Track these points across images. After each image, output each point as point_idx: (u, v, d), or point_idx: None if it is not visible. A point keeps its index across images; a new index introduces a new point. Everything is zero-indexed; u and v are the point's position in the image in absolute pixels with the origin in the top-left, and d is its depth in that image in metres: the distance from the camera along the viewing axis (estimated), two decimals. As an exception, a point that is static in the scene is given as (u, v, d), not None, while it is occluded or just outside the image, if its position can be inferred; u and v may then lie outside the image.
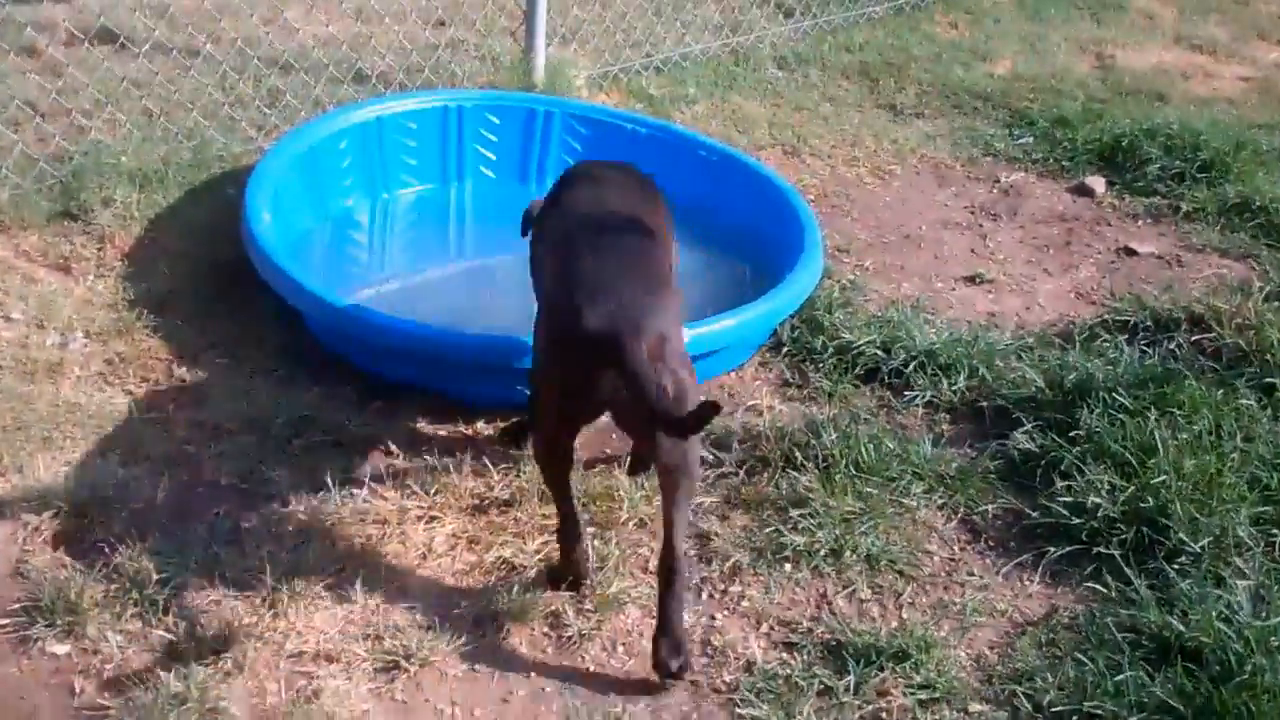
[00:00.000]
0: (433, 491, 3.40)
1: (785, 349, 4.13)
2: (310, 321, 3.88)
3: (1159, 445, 3.54)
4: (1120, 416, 3.68)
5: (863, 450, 3.58)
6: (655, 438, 2.80)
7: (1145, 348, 4.17)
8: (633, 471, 3.50)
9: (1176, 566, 3.25)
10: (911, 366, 4.01)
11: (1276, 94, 6.50)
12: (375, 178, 4.73)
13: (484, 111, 4.88)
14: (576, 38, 5.94)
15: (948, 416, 3.91)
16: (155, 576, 3.02)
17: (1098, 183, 5.50)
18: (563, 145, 4.89)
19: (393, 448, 3.58)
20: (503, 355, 3.57)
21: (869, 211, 5.16)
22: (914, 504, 3.51)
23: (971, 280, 4.73)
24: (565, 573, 3.13)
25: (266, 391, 3.75)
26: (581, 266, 2.95)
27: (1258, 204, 5.22)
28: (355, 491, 3.40)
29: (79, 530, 3.18)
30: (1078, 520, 3.40)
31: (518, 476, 3.47)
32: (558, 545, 3.15)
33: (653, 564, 3.23)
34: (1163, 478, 3.41)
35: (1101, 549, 3.34)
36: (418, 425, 3.68)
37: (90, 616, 2.92)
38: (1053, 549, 3.38)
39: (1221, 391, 3.82)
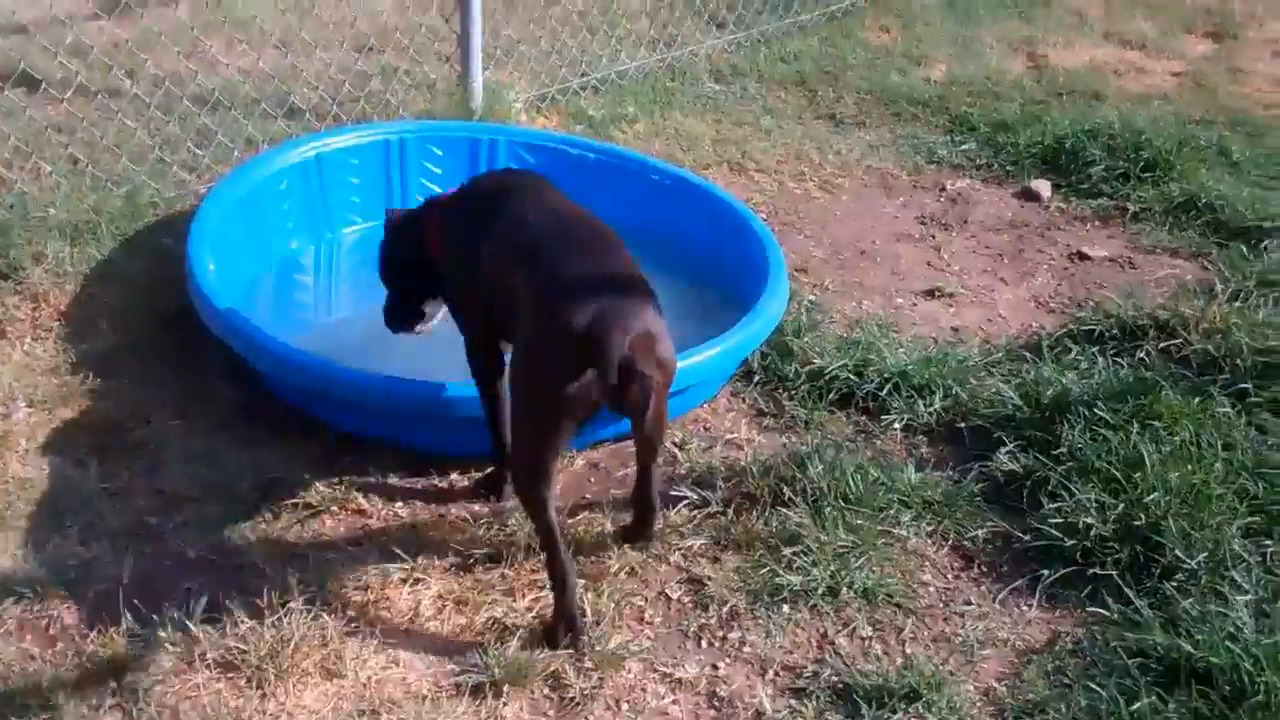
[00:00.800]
0: (414, 552, 3.27)
1: (756, 377, 4.05)
2: (271, 379, 3.73)
3: (1144, 459, 3.51)
4: (1102, 432, 3.65)
5: (849, 482, 3.50)
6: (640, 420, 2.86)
7: (1115, 357, 4.14)
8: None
9: (1174, 584, 3.22)
10: (886, 390, 3.95)
11: (1209, 88, 6.53)
12: (318, 218, 4.58)
13: (426, 143, 4.75)
14: (512, 60, 5.81)
15: (926, 439, 3.85)
16: (131, 661, 2.88)
17: (1043, 186, 5.48)
18: (510, 174, 4.77)
19: (366, 506, 3.45)
20: (475, 405, 3.47)
21: (821, 227, 5.09)
22: (904, 533, 3.45)
23: (931, 294, 4.68)
24: (561, 625, 3.02)
25: (227, 452, 3.59)
26: (556, 270, 3.00)
27: (1204, 201, 5.23)
28: (332, 556, 3.27)
29: (44, 616, 3.02)
30: (1070, 541, 3.35)
31: (501, 531, 3.35)
32: (551, 594, 3.05)
33: (646, 612, 3.16)
34: (1154, 495, 3.37)
35: (1097, 569, 3.29)
36: (390, 480, 3.55)
37: (66, 710, 2.77)
38: (1047, 571, 3.32)
39: (1198, 400, 3.80)
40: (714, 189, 4.72)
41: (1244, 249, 4.91)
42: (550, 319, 2.90)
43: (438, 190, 4.73)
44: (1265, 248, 4.87)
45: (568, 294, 2.90)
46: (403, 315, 3.65)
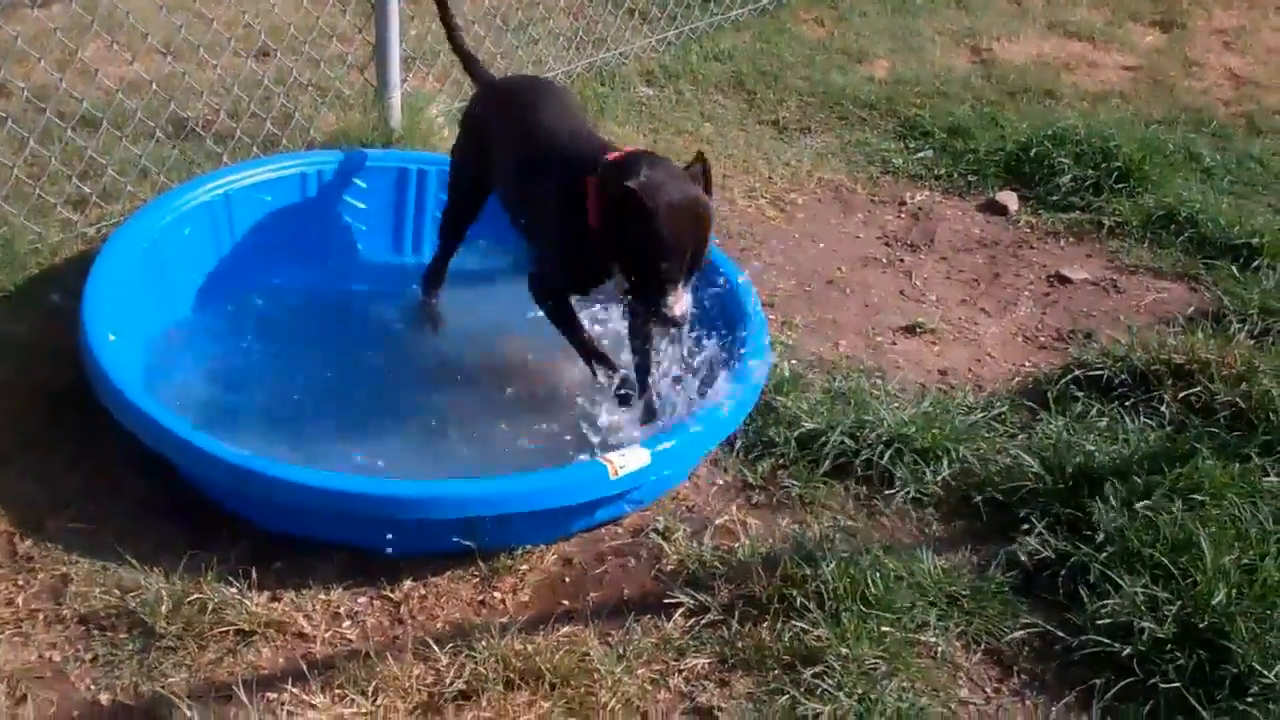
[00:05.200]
0: (370, 689, 2.77)
1: (739, 442, 3.59)
2: (190, 474, 3.20)
3: (1194, 543, 3.12)
4: (1139, 509, 3.25)
5: (868, 581, 3.06)
6: None
7: (1131, 409, 3.75)
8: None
9: (1251, 699, 2.83)
10: (886, 456, 3.52)
11: (1166, 84, 6.19)
12: (229, 266, 4.00)
13: (347, 175, 4.20)
14: (428, 67, 5.26)
15: (936, 513, 3.44)
16: None
17: (1009, 199, 5.10)
18: (440, 205, 4.23)
19: (308, 629, 2.94)
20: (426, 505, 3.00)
21: (781, 252, 4.64)
22: (933, 639, 3.02)
23: (911, 331, 4.27)
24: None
25: (139, 565, 3.04)
26: None
27: (1183, 215, 4.89)
28: (273, 696, 2.76)
29: (-74, 802, 2.48)
30: (1122, 646, 2.95)
31: (471, 658, 2.85)
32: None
33: None
34: (1220, 594, 2.96)
35: (1158, 679, 2.89)
36: (333, 593, 3.04)
37: None
38: (1098, 680, 2.93)
39: (1239, 466, 3.42)
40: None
41: (1234, 269, 4.59)
42: None
43: (362, 228, 4.23)
44: (1257, 269, 4.55)
45: None
46: None
